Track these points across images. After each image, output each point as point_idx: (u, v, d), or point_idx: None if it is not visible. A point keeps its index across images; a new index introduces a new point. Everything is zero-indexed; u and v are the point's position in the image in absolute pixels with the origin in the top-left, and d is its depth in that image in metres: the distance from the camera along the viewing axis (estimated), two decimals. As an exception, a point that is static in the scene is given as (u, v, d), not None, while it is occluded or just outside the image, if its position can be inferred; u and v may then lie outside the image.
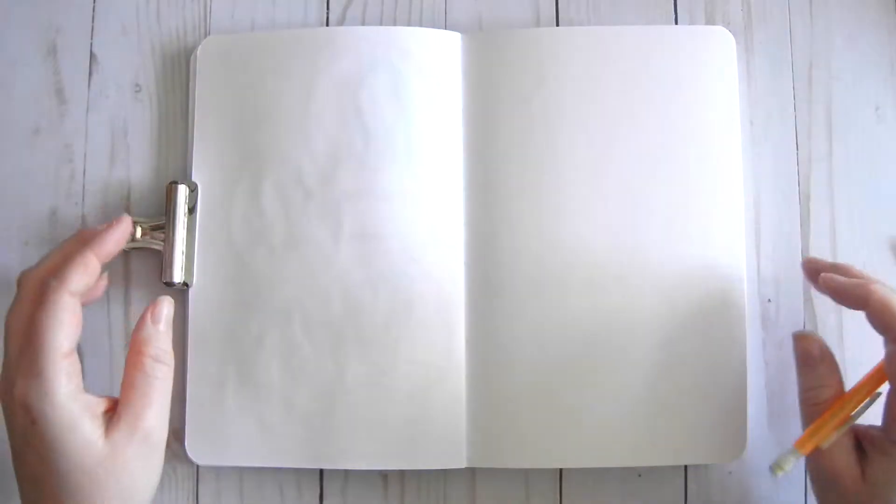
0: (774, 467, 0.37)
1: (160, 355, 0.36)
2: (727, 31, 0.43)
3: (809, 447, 0.37)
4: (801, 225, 0.44)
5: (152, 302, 0.37)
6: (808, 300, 0.43)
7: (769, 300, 0.43)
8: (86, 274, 0.36)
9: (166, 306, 0.37)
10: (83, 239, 0.37)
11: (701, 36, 0.44)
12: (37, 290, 0.35)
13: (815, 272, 0.39)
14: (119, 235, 0.38)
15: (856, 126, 0.44)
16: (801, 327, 0.43)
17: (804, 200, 0.44)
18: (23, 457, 0.34)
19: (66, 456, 0.33)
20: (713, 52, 0.43)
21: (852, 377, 0.43)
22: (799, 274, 0.43)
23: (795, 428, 0.42)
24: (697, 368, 0.41)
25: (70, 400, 0.33)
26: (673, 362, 0.41)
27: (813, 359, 0.38)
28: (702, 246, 0.42)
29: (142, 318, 0.37)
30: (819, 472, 0.37)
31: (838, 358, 0.43)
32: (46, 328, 0.34)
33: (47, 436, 0.33)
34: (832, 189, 0.44)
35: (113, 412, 0.35)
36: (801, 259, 0.43)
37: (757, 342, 0.43)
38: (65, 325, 0.34)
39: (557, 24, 0.45)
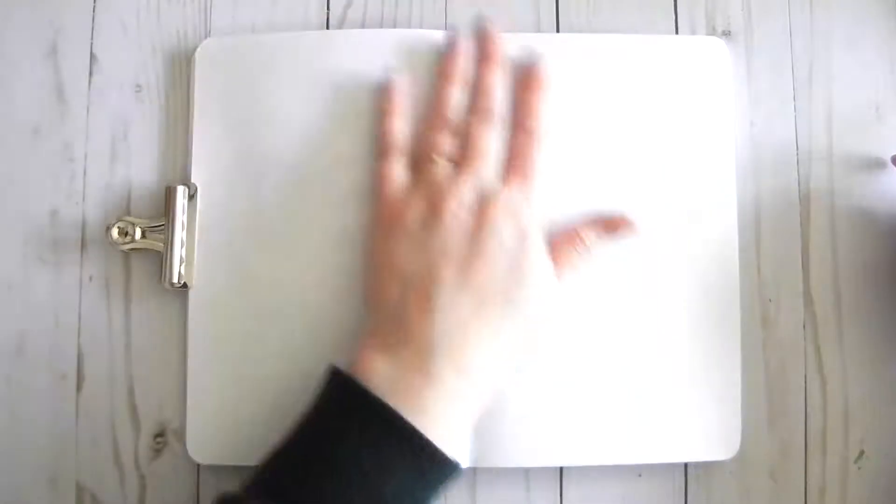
0: None
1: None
2: (722, 41, 0.43)
3: None
4: (801, 225, 0.44)
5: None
6: (808, 300, 0.43)
7: (769, 300, 0.43)
8: None
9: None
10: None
11: (696, 46, 0.44)
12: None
13: None
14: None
15: (856, 126, 0.44)
16: (801, 327, 0.43)
17: (804, 201, 0.44)
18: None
19: (531, 276, 0.37)
20: (708, 62, 0.43)
21: (852, 377, 0.43)
22: (799, 274, 0.43)
23: (795, 428, 0.42)
24: (696, 367, 0.41)
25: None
26: (672, 361, 0.41)
27: None
28: (702, 246, 0.42)
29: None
30: None
31: (838, 356, 0.43)
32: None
33: (530, 250, 0.37)
34: (832, 189, 0.44)
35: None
36: (801, 259, 0.43)
37: (757, 342, 0.43)
38: None
39: (558, 28, 0.45)
